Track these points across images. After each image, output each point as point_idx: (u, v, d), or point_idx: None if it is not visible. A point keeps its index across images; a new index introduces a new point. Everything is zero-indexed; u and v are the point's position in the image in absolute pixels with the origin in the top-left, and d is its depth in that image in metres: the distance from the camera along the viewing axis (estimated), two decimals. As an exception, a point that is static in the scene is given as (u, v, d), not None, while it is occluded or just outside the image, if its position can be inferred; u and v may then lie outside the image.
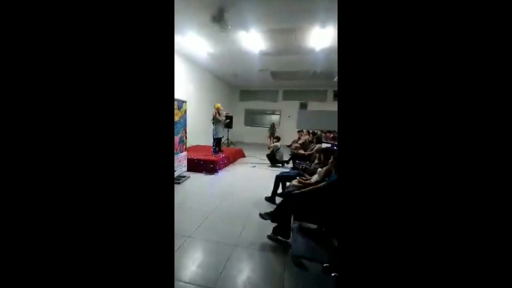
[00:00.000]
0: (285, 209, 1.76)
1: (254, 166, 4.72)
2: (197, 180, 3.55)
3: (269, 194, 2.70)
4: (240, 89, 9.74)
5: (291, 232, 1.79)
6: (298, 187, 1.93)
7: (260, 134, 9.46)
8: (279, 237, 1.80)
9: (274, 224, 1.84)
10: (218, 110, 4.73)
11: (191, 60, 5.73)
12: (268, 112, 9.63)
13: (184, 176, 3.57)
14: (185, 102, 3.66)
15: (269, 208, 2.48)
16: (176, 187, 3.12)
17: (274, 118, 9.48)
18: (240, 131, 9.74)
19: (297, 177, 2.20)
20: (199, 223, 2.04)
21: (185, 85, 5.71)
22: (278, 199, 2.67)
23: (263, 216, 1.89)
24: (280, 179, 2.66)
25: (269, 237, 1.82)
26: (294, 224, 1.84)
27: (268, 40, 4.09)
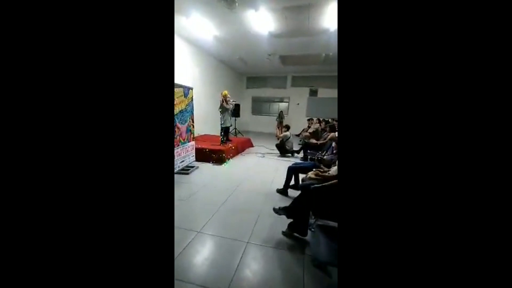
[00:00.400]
0: (303, 204, 1.61)
1: (263, 156, 4.56)
2: (206, 170, 3.45)
3: (281, 186, 2.56)
4: (247, 76, 9.38)
5: (308, 229, 1.65)
6: (316, 180, 1.76)
7: (268, 123, 9.22)
8: (295, 233, 1.67)
9: (289, 220, 1.70)
10: (225, 97, 4.52)
11: (196, 45, 5.43)
12: (276, 100, 9.28)
13: (192, 166, 3.47)
14: (192, 89, 3.47)
15: (281, 201, 2.34)
16: (185, 177, 3.03)
17: (283, 106, 9.16)
18: (247, 120, 9.52)
19: (313, 169, 2.02)
20: (209, 217, 1.93)
21: (191, 71, 5.48)
22: (290, 192, 2.53)
23: (278, 211, 1.75)
24: (293, 171, 2.50)
25: (284, 233, 1.69)
26: (311, 219, 1.69)
27: (278, 19, 3.75)
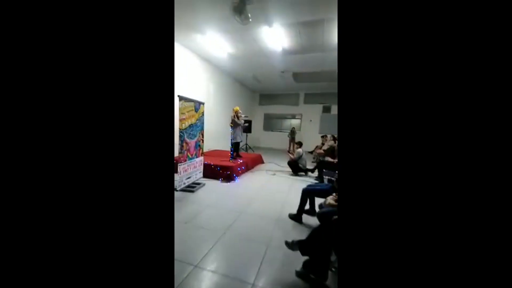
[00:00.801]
0: (322, 238, 1.32)
1: (274, 174, 4.28)
2: (213, 188, 3.24)
3: (294, 211, 2.26)
4: (260, 93, 9.47)
5: (329, 270, 1.33)
6: (337, 208, 1.47)
7: (279, 139, 9.03)
8: (311, 275, 1.35)
9: (305, 256, 1.40)
10: (236, 113, 4.45)
11: (211, 62, 5.57)
12: (288, 117, 9.15)
13: (199, 183, 3.28)
14: (203, 104, 3.41)
15: (294, 229, 2.04)
16: (190, 196, 2.83)
17: (295, 122, 8.98)
18: (258, 136, 9.41)
19: (333, 194, 1.73)
20: (210, 246, 1.68)
21: (206, 87, 5.56)
22: (305, 218, 2.21)
23: (291, 245, 1.46)
24: (308, 194, 2.21)
25: (298, 274, 1.38)
26: (333, 257, 1.38)
27: (292, 35, 3.72)
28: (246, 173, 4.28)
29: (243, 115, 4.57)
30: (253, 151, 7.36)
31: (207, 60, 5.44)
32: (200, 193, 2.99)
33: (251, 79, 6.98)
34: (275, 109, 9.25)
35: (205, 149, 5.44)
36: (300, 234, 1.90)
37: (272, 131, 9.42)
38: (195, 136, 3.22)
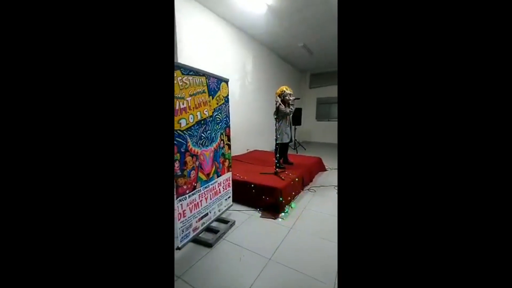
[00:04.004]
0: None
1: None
2: (246, 231, 1.81)
3: None
4: (311, 73, 7.42)
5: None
6: None
7: (336, 129, 6.89)
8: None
9: None
10: (282, 95, 2.85)
11: (242, 29, 4.03)
12: (350, 100, 6.84)
13: (225, 221, 1.92)
14: (227, 81, 1.96)
15: None
16: (202, 255, 1.48)
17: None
18: (310, 127, 7.50)
19: None
20: None
21: (240, 64, 4.12)
22: None
23: None
24: None
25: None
26: None
27: None
28: (302, 191, 2.68)
29: (292, 98, 2.90)
30: (305, 149, 5.62)
31: (236, 24, 3.92)
32: (221, 249, 1.59)
33: (300, 51, 5.12)
34: (333, 91, 7.05)
35: (238, 151, 4.06)
36: None
37: (328, 120, 7.32)
38: (213, 141, 1.82)
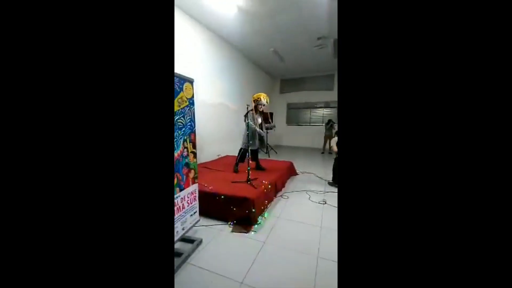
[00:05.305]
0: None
1: (325, 203, 2.50)
2: (213, 253, 1.60)
3: None
4: (281, 78, 7.58)
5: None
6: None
7: (308, 134, 7.17)
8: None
9: None
10: (256, 101, 2.76)
11: (210, 27, 3.84)
12: (319, 106, 7.18)
13: (191, 240, 1.68)
14: (191, 82, 1.74)
15: None
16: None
17: (328, 112, 7.00)
18: (280, 131, 7.61)
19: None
20: None
21: (204, 62, 3.88)
22: None
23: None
24: None
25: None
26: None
27: None
28: (274, 199, 2.57)
29: (264, 105, 2.82)
30: (276, 152, 5.62)
31: (207, 26, 3.72)
32: (190, 273, 1.35)
33: (271, 56, 5.15)
34: (302, 96, 7.31)
35: (209, 157, 3.79)
36: None
37: (298, 124, 7.55)
38: (177, 146, 1.57)
